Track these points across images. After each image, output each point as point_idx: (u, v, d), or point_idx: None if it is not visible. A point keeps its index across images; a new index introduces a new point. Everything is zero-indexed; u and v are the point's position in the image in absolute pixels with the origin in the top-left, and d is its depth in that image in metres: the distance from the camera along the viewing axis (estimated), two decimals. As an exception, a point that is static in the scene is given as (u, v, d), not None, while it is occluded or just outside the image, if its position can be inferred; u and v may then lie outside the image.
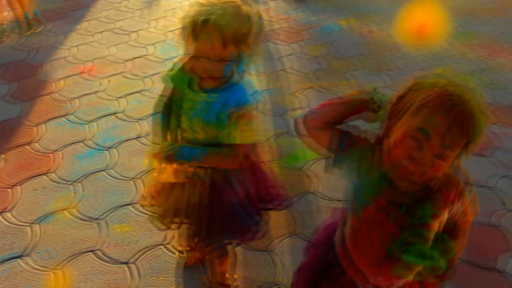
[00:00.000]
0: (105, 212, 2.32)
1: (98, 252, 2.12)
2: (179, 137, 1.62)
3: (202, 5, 1.41)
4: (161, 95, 1.69)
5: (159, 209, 1.75)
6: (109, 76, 3.50)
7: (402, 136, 1.04)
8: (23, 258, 2.07)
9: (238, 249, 2.18)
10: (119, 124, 2.96)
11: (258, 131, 1.52)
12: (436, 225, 1.16)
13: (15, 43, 4.05)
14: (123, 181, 2.51)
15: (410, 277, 1.18)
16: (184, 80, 1.56)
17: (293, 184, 2.63)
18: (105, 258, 2.10)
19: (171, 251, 2.16)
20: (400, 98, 1.09)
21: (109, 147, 2.75)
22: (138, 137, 2.82)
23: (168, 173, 1.59)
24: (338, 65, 4.08)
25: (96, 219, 2.28)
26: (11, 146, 2.76)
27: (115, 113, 3.08)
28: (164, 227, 1.76)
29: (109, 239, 2.19)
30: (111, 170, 2.58)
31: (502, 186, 2.86)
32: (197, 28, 1.37)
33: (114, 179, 2.53)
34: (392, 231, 1.18)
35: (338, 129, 1.23)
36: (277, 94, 3.53)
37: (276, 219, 2.36)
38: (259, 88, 3.57)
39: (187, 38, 1.41)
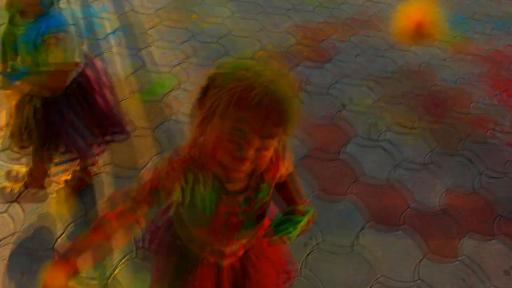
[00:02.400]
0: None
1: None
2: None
3: None
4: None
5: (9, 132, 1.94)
6: None
7: (218, 140, 0.97)
8: None
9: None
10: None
11: (71, 55, 1.70)
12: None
13: None
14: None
15: None
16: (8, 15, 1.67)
17: (155, 115, 2.83)
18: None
19: (57, 183, 2.26)
20: (201, 101, 1.01)
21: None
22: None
23: (11, 93, 1.79)
24: (181, 1, 4.20)
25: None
26: None
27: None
28: (19, 145, 1.94)
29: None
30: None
31: (337, 91, 3.34)
32: None
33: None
34: (242, 221, 1.20)
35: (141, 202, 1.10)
36: (129, 33, 3.60)
37: (144, 143, 2.60)
38: (110, 29, 3.62)
39: None
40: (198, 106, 1.02)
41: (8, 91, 1.81)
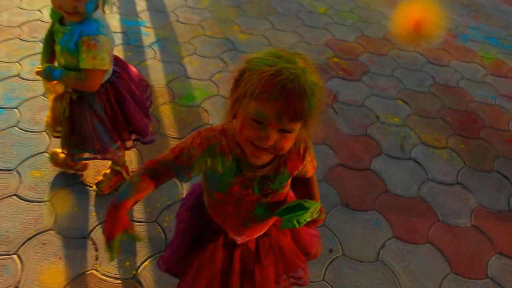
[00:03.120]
0: (20, 162, 2.47)
1: (18, 196, 2.30)
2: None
3: None
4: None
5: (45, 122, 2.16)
6: (5, 41, 3.51)
7: (245, 120, 1.06)
8: None
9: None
10: (20, 85, 3.05)
11: (107, 57, 1.85)
12: (290, 181, 1.33)
13: None
14: (33, 133, 2.67)
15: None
16: (57, 15, 1.83)
17: (193, 119, 2.94)
18: (24, 199, 2.29)
19: (88, 185, 2.41)
20: (237, 82, 1.09)
21: (14, 107, 2.86)
22: (39, 96, 2.95)
23: (50, 89, 1.98)
24: (224, 13, 4.36)
25: (12, 169, 2.44)
26: None
27: (15, 75, 3.14)
28: (53, 134, 2.17)
29: (27, 183, 2.37)
30: (20, 126, 2.71)
31: (372, 104, 3.37)
32: None
33: (25, 132, 2.67)
34: (257, 200, 1.29)
35: (152, 173, 1.24)
36: (170, 43, 3.76)
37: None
38: (155, 38, 3.81)
39: None
40: (234, 86, 1.10)
41: (49, 87, 2.00)
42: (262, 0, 4.76)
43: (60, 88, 1.96)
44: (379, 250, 2.30)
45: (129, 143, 2.19)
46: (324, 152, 2.84)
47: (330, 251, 2.26)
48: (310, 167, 1.37)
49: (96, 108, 1.98)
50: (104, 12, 1.87)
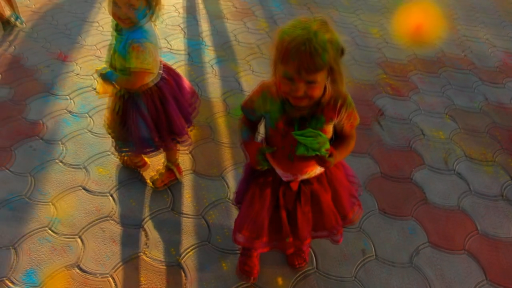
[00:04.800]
0: (88, 159, 2.84)
1: (84, 188, 2.63)
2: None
3: None
4: None
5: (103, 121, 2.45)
6: (84, 57, 4.00)
7: (280, 79, 1.40)
8: (26, 195, 2.58)
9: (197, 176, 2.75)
10: (93, 96, 3.45)
11: (150, 61, 2.08)
12: (329, 128, 1.61)
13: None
14: (101, 137, 3.04)
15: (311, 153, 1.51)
16: (115, 24, 2.11)
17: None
18: (89, 191, 2.62)
19: (144, 182, 2.71)
20: (275, 50, 1.39)
21: (88, 113, 3.27)
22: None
23: (105, 89, 2.25)
24: (279, 37, 4.61)
25: (81, 165, 2.80)
26: (4, 117, 3.21)
27: (90, 86, 3.58)
28: (107, 131, 2.45)
29: (92, 178, 2.71)
30: (92, 130, 3.10)
31: (418, 120, 3.45)
32: None
33: (94, 136, 3.05)
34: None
35: (247, 121, 1.75)
36: (227, 62, 4.07)
37: (229, 151, 2.94)
38: (214, 56, 4.13)
39: None
40: (274, 53, 1.40)
41: (105, 88, 2.26)
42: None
43: (108, 88, 2.24)
44: (412, 255, 2.36)
45: (168, 143, 2.43)
46: (366, 163, 2.95)
47: (363, 252, 2.36)
48: (346, 123, 1.64)
49: (141, 106, 2.24)
50: (154, 24, 2.14)
